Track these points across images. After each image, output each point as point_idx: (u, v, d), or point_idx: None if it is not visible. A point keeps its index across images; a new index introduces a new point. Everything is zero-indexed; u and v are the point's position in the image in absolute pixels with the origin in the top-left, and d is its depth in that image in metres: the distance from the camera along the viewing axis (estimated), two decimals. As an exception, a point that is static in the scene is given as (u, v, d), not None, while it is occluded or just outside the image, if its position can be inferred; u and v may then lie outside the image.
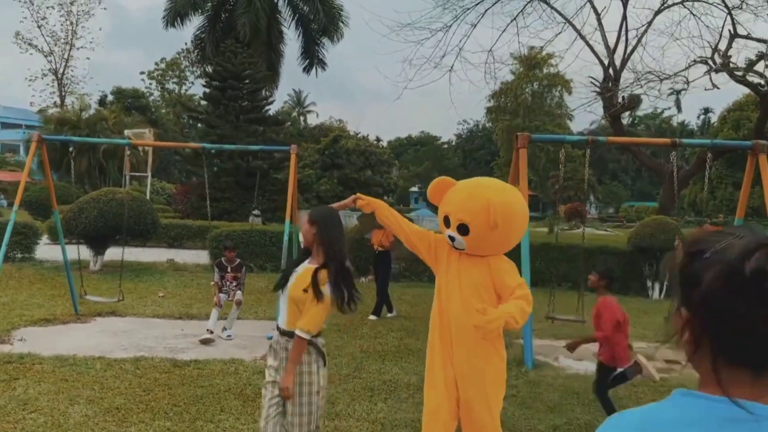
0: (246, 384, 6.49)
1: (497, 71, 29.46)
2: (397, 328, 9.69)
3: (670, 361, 8.38)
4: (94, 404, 5.68)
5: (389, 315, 10.77)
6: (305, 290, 3.65)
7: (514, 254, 4.27)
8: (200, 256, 17.87)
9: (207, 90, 28.60)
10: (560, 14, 19.93)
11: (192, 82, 63.76)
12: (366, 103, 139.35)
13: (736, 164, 33.00)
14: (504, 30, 22.58)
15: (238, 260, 9.03)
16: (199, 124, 31.26)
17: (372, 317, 10.49)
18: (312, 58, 34.97)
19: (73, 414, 5.40)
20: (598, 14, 20.15)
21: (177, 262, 16.79)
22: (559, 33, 19.92)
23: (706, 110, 74.18)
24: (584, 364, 8.13)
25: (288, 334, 3.75)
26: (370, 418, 5.64)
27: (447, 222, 4.09)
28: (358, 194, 4.61)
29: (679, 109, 68.26)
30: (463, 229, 4.00)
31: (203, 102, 31.39)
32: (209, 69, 29.45)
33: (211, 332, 8.38)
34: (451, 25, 18.93)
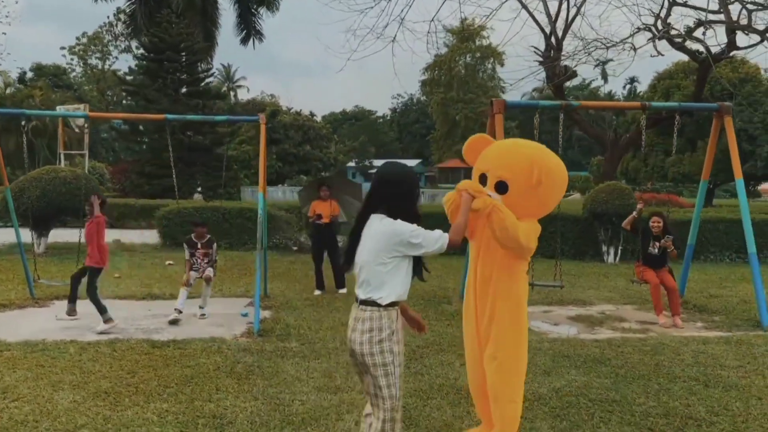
0: (235, 362, 6.26)
1: (440, 40, 29.43)
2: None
3: (644, 321, 8.56)
4: (80, 389, 5.37)
5: (317, 292, 10.22)
6: None
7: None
8: (146, 236, 17.32)
9: (142, 62, 27.48)
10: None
11: (116, 57, 61.41)
12: (296, 77, 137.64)
13: (667, 132, 33.99)
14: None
15: (208, 236, 8.69)
16: (128, 99, 30.08)
17: (342, 290, 10.33)
18: (249, 29, 34.07)
19: (60, 400, 5.08)
20: (540, -18, 20.24)
21: (124, 243, 16.19)
22: (505, 1, 19.93)
23: (632, 80, 76.36)
24: (563, 328, 8.23)
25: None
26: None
27: (483, 181, 3.97)
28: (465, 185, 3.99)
29: (605, 79, 70.11)
30: (502, 187, 3.89)
31: (128, 77, 30.16)
32: (144, 41, 28.23)
33: (180, 312, 8.06)
34: (394, -7, 18.74)
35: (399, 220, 3.42)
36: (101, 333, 7.37)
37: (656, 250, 8.65)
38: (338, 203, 10.43)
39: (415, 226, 3.42)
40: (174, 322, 7.96)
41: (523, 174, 3.78)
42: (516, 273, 4.02)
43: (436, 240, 3.42)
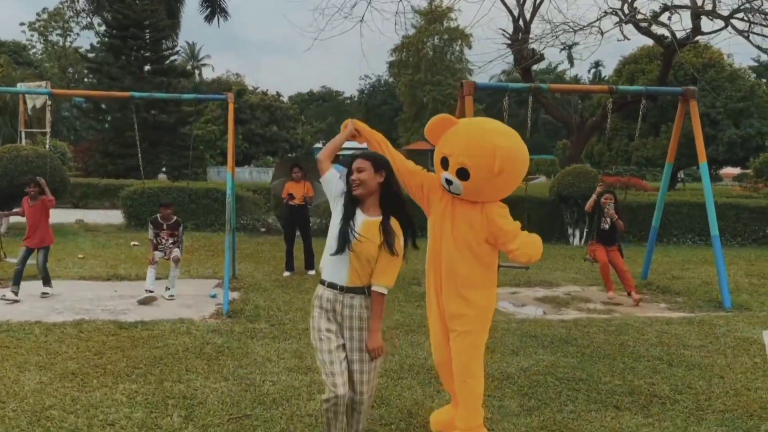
0: (204, 343, 6.22)
1: (408, 20, 29.29)
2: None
3: (609, 302, 8.71)
4: (47, 370, 5.29)
5: (286, 273, 10.18)
6: (379, 246, 3.50)
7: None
8: (110, 216, 17.07)
9: (106, 38, 26.87)
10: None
11: (78, 34, 59.88)
12: (263, 56, 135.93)
13: (631, 116, 34.44)
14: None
15: (175, 217, 8.56)
16: (90, 77, 29.41)
17: (310, 272, 10.32)
18: (213, 6, 33.52)
19: (27, 381, 5.00)
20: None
21: (87, 223, 15.94)
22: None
23: (597, 63, 77.09)
24: (530, 308, 8.33)
25: (352, 291, 3.53)
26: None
27: (445, 164, 3.91)
28: (354, 120, 4.17)
29: (571, 63, 70.67)
30: (462, 174, 3.84)
31: (90, 55, 29.46)
32: (107, 17, 27.58)
33: (151, 291, 7.97)
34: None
35: None
36: (44, 295, 8.07)
37: (607, 226, 8.89)
38: (312, 185, 10.35)
39: None
40: (145, 302, 7.87)
41: (485, 162, 3.74)
42: (492, 263, 4.08)
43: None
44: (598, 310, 8.27)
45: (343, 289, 3.54)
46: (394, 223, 3.56)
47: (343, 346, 3.58)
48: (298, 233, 10.50)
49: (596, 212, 9.15)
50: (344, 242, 3.46)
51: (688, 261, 12.57)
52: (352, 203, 3.58)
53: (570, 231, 15.03)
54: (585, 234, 14.85)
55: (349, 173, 3.61)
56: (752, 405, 4.92)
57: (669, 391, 5.19)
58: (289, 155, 47.80)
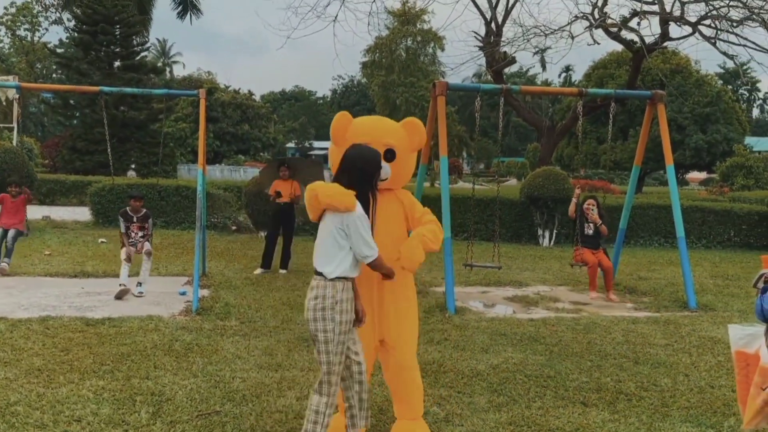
0: (172, 340, 6.17)
1: (381, 21, 29.37)
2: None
3: (577, 302, 8.82)
4: (12, 366, 5.20)
5: (258, 271, 10.11)
6: None
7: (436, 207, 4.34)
8: (78, 213, 16.82)
9: (76, 34, 26.46)
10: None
11: (46, 29, 58.89)
12: (234, 55, 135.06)
13: (600, 120, 34.91)
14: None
15: (145, 210, 8.50)
16: (58, 73, 28.96)
17: (282, 271, 10.28)
18: (186, 2, 33.20)
19: (-10, 378, 4.91)
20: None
21: (54, 219, 15.68)
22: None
23: (567, 68, 77.98)
24: (500, 308, 8.40)
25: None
26: (313, 368, 5.52)
27: None
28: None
29: (544, 67, 71.38)
30: (389, 155, 4.01)
31: (59, 50, 28.98)
32: (77, 12, 27.15)
33: (125, 285, 7.91)
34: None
35: (356, 207, 3.50)
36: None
37: (591, 231, 9.02)
38: (300, 185, 10.36)
39: (362, 216, 3.52)
40: (120, 296, 7.82)
41: (407, 137, 4.07)
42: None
43: (363, 248, 3.53)
44: (567, 309, 8.37)
45: (351, 278, 3.66)
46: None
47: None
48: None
49: (578, 217, 9.29)
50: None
51: (655, 262, 12.77)
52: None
53: (540, 232, 15.17)
54: (555, 235, 15.00)
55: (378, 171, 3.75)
56: (716, 402, 5.03)
57: (635, 388, 5.28)
58: (261, 154, 47.61)
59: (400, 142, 4.06)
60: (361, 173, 3.62)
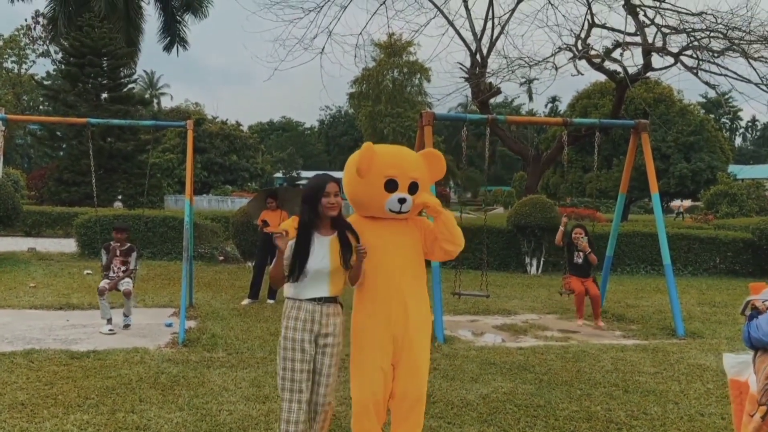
0: (158, 372, 6.09)
1: (368, 53, 29.68)
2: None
3: (566, 330, 8.82)
4: (-6, 402, 5.11)
5: (246, 302, 10.02)
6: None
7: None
8: (64, 245, 16.68)
9: (63, 66, 26.51)
10: (430, 0, 20.26)
11: (34, 61, 58.85)
12: (222, 86, 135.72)
13: (585, 149, 35.24)
14: (374, 13, 22.70)
15: (129, 244, 8.33)
16: (45, 105, 28.97)
17: (270, 301, 10.22)
18: (173, 36, 33.37)
19: (-28, 414, 4.82)
20: (465, 1, 20.70)
21: (40, 251, 15.53)
22: (433, 17, 20.25)
23: (554, 98, 78.98)
24: (489, 336, 8.37)
25: (331, 300, 3.92)
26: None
27: (393, 186, 3.99)
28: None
29: (530, 98, 72.21)
30: (413, 188, 4.05)
31: (46, 82, 28.99)
32: (65, 45, 27.22)
33: (110, 319, 7.78)
34: (323, 6, 18.71)
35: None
36: None
37: (580, 260, 9.05)
38: (288, 215, 10.38)
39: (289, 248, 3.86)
40: (111, 332, 7.68)
41: (427, 170, 4.15)
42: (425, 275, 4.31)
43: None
44: (555, 337, 8.36)
45: (322, 300, 3.89)
46: (351, 237, 3.95)
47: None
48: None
49: (566, 246, 9.33)
50: (298, 267, 3.83)
51: (642, 290, 12.81)
52: (311, 228, 3.88)
53: (527, 260, 15.20)
54: (542, 263, 15.04)
55: (322, 196, 3.82)
56: (706, 430, 5.02)
57: (625, 416, 5.26)
58: (249, 184, 47.59)
59: (423, 175, 4.10)
60: (305, 200, 3.89)
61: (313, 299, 3.86)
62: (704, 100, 66.54)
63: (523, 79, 19.95)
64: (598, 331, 8.82)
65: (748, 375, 2.85)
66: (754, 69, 16.45)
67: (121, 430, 4.65)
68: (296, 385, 3.82)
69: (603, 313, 9.89)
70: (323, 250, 3.85)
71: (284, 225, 4.00)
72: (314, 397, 3.94)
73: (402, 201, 3.99)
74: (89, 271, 12.69)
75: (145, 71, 75.52)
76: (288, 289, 3.93)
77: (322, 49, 18.89)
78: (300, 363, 3.83)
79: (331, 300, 3.92)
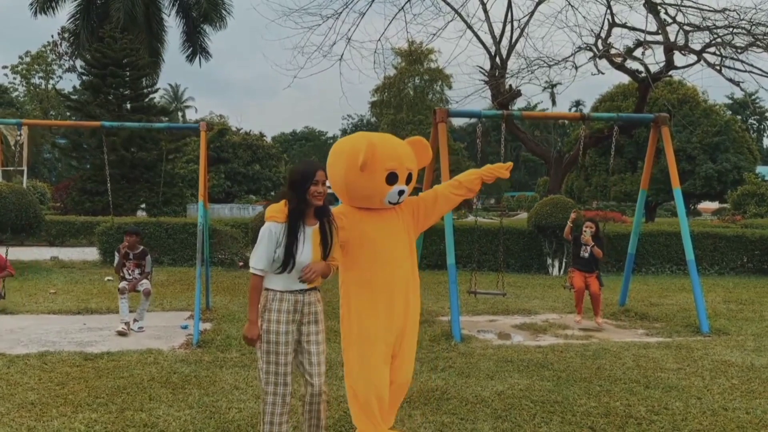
0: (171, 372, 6.05)
1: (387, 60, 29.72)
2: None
3: (587, 329, 8.64)
4: (5, 401, 5.09)
5: None
6: None
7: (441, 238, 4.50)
8: (86, 253, 16.81)
9: (86, 77, 26.88)
10: (447, 4, 20.19)
11: (60, 77, 59.89)
12: (246, 99, 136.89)
13: (607, 152, 34.82)
14: (393, 19, 22.75)
15: (142, 247, 8.33)
16: (71, 118, 29.35)
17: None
18: (195, 46, 33.67)
19: (-19, 413, 4.80)
20: (483, 3, 20.61)
21: (62, 260, 15.67)
22: (451, 20, 20.16)
23: (578, 103, 78.35)
24: (507, 335, 8.22)
25: (312, 289, 3.85)
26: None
27: (394, 178, 4.02)
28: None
29: (554, 102, 71.78)
30: (409, 179, 4.11)
31: (73, 97, 29.39)
32: (87, 57, 27.59)
33: (126, 323, 7.79)
34: (341, 12, 18.73)
35: (269, 220, 3.74)
36: None
37: (587, 254, 8.87)
38: None
39: (271, 228, 3.69)
40: (122, 333, 7.68)
41: (417, 159, 4.24)
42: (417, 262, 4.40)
43: (253, 260, 3.76)
44: (576, 336, 8.18)
45: (305, 290, 3.79)
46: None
47: (295, 351, 3.83)
48: None
49: (573, 240, 9.17)
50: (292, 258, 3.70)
51: (667, 289, 12.54)
52: (300, 218, 3.76)
53: (549, 261, 14.99)
54: (564, 264, 14.81)
55: (311, 184, 3.69)
56: (729, 424, 4.84)
57: (645, 412, 5.09)
58: (272, 194, 47.75)
59: (414, 164, 4.19)
60: (290, 186, 3.76)
61: (298, 290, 3.77)
62: (730, 101, 65.53)
63: (544, 81, 19.83)
64: (619, 330, 8.62)
65: None
66: (780, 64, 16.13)
67: (129, 427, 4.60)
68: (281, 379, 3.73)
69: (626, 312, 9.71)
70: (308, 240, 3.75)
71: (273, 209, 3.79)
72: (309, 388, 3.82)
73: (401, 193, 4.07)
74: (110, 278, 12.75)
75: (170, 84, 76.50)
76: (276, 282, 3.75)
77: (341, 56, 18.94)
78: (284, 356, 3.72)
79: (312, 289, 3.83)
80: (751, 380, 6.07)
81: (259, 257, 3.68)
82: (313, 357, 3.81)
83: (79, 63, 33.18)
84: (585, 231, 8.85)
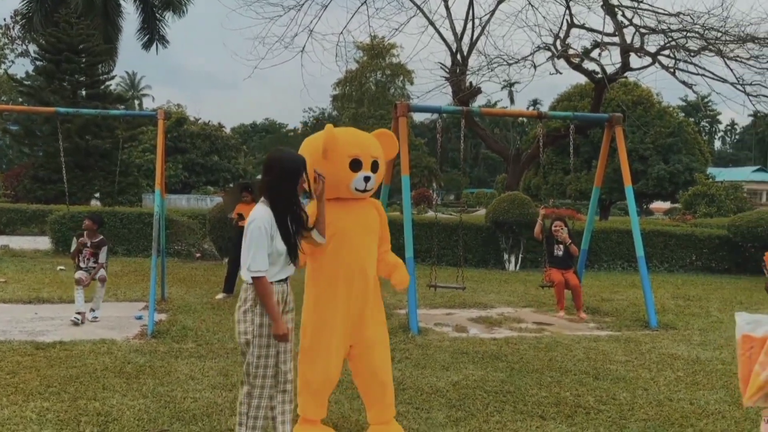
0: (124, 362, 6.00)
1: (350, 54, 29.58)
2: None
3: (541, 322, 8.81)
4: (-48, 390, 4.99)
5: (220, 296, 9.92)
6: None
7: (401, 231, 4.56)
8: (38, 242, 16.46)
9: (39, 63, 26.19)
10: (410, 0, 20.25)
11: (12, 61, 58.23)
12: (205, 89, 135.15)
13: (564, 151, 35.36)
14: (355, 12, 22.67)
15: (101, 237, 8.23)
16: (23, 100, 28.56)
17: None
18: (152, 33, 33.06)
19: (-72, 401, 4.70)
20: (445, 0, 20.72)
21: (13, 249, 15.30)
22: (413, 16, 20.26)
23: (535, 102, 79.43)
24: (463, 329, 8.34)
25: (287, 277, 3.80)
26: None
27: (357, 165, 4.08)
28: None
29: (512, 100, 72.59)
30: (375, 167, 4.16)
31: (26, 82, 28.63)
32: (41, 42, 26.88)
33: (81, 314, 7.67)
34: (303, 4, 18.63)
35: (259, 208, 3.58)
36: None
37: (560, 252, 9.05)
38: None
39: (261, 225, 3.51)
40: (76, 323, 7.57)
41: (383, 148, 4.29)
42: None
43: (246, 258, 3.53)
44: (530, 329, 8.34)
45: (284, 279, 3.74)
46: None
47: None
48: None
49: (546, 239, 9.33)
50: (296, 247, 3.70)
51: (617, 285, 12.85)
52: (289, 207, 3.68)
53: (506, 257, 15.20)
54: (521, 259, 15.05)
55: (301, 176, 3.68)
56: (674, 414, 5.01)
57: (594, 402, 5.24)
58: (229, 185, 47.29)
59: (381, 154, 4.26)
60: (282, 177, 3.62)
61: (281, 280, 3.71)
62: (683, 103, 67.14)
63: (504, 79, 20.03)
64: (572, 324, 8.82)
65: (764, 332, 2.99)
66: (730, 69, 16.61)
67: (82, 416, 4.56)
68: (269, 371, 3.69)
69: (578, 306, 9.92)
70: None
71: (258, 212, 3.61)
72: (281, 376, 3.75)
73: (367, 179, 4.10)
74: (62, 267, 12.51)
75: (126, 72, 75.14)
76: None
77: (303, 48, 18.84)
78: (274, 348, 3.67)
79: (287, 277, 3.81)
80: (696, 372, 6.28)
81: (262, 258, 3.51)
82: (289, 344, 3.77)
83: (32, 48, 32.36)
84: (560, 230, 9.01)
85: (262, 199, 3.65)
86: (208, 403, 4.91)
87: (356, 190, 4.12)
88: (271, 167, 3.64)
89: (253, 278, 3.51)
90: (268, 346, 3.63)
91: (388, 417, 4.38)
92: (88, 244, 8.08)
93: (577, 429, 4.62)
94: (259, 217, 3.53)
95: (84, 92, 25.97)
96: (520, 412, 4.93)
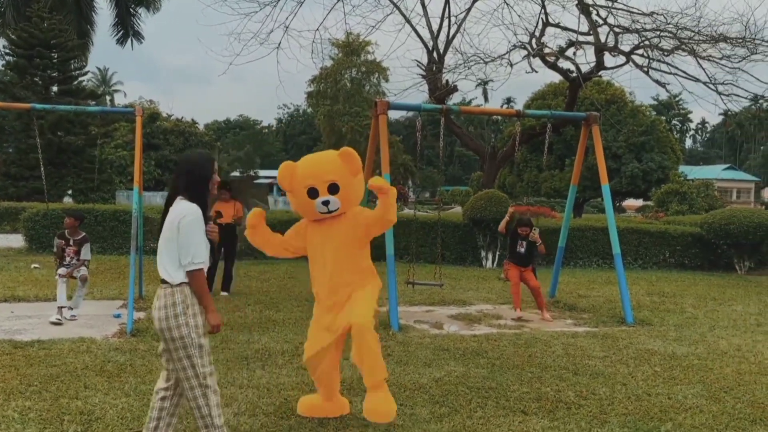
0: (105, 361, 5.96)
1: (325, 51, 29.54)
2: (253, 302, 9.39)
3: (519, 319, 8.89)
4: (-71, 390, 4.92)
5: (223, 294, 10.05)
6: None
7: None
8: (11, 240, 16.24)
9: (11, 58, 25.75)
10: (386, -4, 20.24)
11: (-18, 56, 57.27)
12: (178, 85, 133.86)
13: (538, 149, 35.67)
14: (331, 9, 22.62)
15: (83, 234, 8.18)
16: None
17: (224, 293, 10.08)
18: (126, 29, 32.69)
19: None
20: (422, -1, 20.76)
21: (-16, 246, 15.08)
22: (389, 14, 20.22)
23: (509, 100, 79.93)
24: (444, 325, 8.40)
25: None
26: (252, 384, 5.43)
27: (314, 192, 4.42)
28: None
29: (486, 98, 72.98)
30: (333, 188, 4.41)
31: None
32: (12, 36, 26.44)
33: (61, 308, 7.60)
34: (278, 0, 18.53)
35: (186, 205, 3.60)
36: None
37: (523, 249, 9.10)
38: (243, 205, 10.28)
39: (198, 217, 3.57)
40: (57, 323, 7.47)
41: (343, 168, 4.43)
42: (367, 258, 4.68)
43: (189, 255, 3.54)
44: (509, 325, 8.43)
45: None
46: None
47: None
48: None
49: (510, 235, 9.37)
50: None
51: (594, 281, 13.02)
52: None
53: (483, 254, 15.31)
54: (498, 257, 15.16)
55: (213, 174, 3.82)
56: (653, 409, 5.11)
57: (574, 397, 5.32)
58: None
59: (341, 173, 4.44)
60: (190, 177, 3.68)
61: None
62: (655, 102, 68.07)
63: (479, 77, 20.19)
64: (550, 320, 8.91)
65: None
66: (703, 69, 16.85)
67: (65, 415, 4.53)
68: (214, 369, 3.82)
69: (556, 303, 10.03)
70: None
71: (195, 208, 3.68)
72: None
73: (326, 203, 4.42)
74: (37, 265, 12.36)
75: (98, 68, 74.12)
76: (181, 273, 3.63)
77: (279, 44, 18.77)
78: (207, 342, 3.72)
79: None
80: (673, 368, 6.40)
81: (204, 250, 3.59)
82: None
83: (2, 42, 31.83)
84: (531, 231, 9.04)
85: (180, 197, 3.65)
86: (191, 401, 4.89)
87: (321, 212, 4.47)
88: (189, 170, 3.70)
89: (193, 271, 3.54)
90: (202, 346, 3.65)
91: (375, 380, 4.37)
92: (71, 242, 8.04)
93: (558, 424, 4.69)
94: (193, 211, 3.57)
95: (56, 88, 25.61)
96: (503, 408, 4.99)
